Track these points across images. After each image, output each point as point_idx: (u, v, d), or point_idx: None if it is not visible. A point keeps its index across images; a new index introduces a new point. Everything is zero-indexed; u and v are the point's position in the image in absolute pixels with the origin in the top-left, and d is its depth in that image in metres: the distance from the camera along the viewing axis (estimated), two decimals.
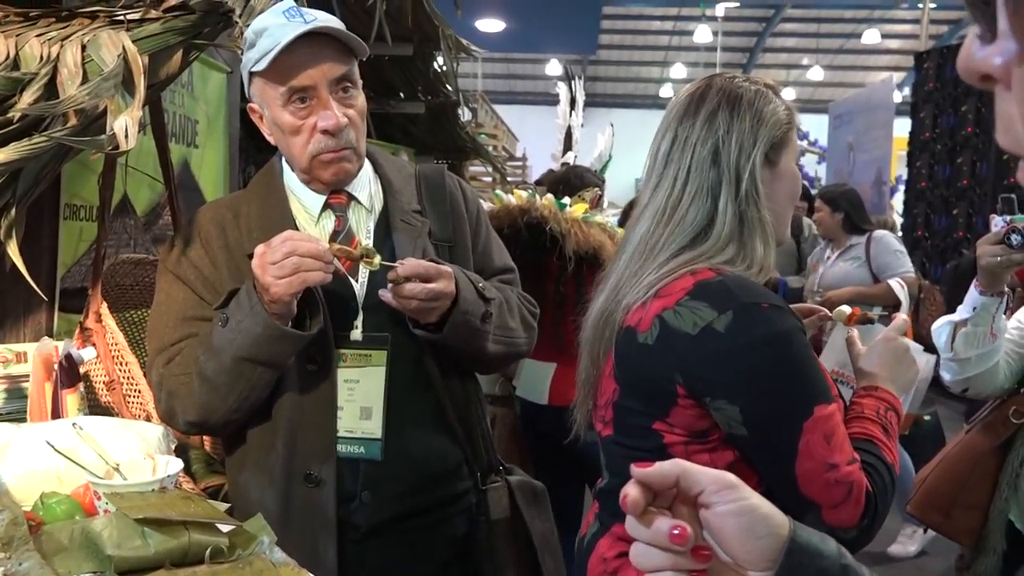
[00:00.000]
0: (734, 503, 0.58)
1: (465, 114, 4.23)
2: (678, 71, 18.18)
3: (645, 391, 1.10)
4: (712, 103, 1.15)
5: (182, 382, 1.30)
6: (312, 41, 1.29)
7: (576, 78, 3.55)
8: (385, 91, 3.94)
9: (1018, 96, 0.33)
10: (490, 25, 11.84)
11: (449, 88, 3.83)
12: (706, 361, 1.04)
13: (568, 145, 3.53)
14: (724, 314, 1.03)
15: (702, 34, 15.38)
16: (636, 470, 0.59)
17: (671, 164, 1.15)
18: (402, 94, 3.96)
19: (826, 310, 1.40)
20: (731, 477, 0.60)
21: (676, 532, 0.56)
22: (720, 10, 15.15)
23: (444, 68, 3.75)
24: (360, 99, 1.37)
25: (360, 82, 1.39)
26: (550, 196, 2.46)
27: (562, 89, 3.47)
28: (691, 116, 1.15)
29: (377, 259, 1.26)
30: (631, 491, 0.58)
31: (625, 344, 1.12)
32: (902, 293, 3.57)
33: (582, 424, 1.25)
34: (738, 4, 15.08)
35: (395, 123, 4.02)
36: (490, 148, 6.87)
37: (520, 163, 9.93)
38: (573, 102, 3.62)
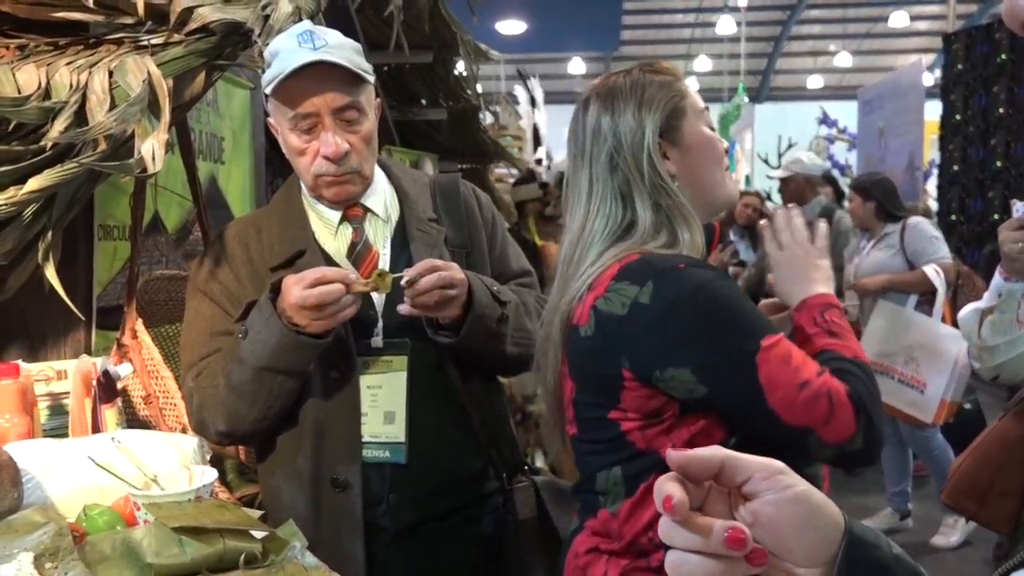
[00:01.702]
0: (788, 490, 0.52)
1: (487, 118, 4.25)
2: (703, 63, 18.04)
3: (595, 383, 1.11)
4: (593, 114, 1.15)
5: (210, 394, 1.34)
6: (318, 69, 1.31)
7: (530, 77, 3.57)
8: (407, 99, 3.98)
9: None
10: (511, 27, 11.87)
11: (469, 93, 3.86)
12: (642, 335, 1.05)
13: (537, 142, 3.57)
14: (645, 286, 1.04)
15: (725, 25, 15.25)
16: (674, 455, 0.51)
17: (577, 179, 1.17)
18: (424, 101, 4.00)
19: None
20: (779, 463, 0.54)
21: (731, 533, 0.49)
22: (743, 0, 15.01)
23: (464, 73, 3.78)
24: (366, 125, 1.39)
25: (370, 106, 1.40)
26: None
27: (519, 91, 3.49)
28: (581, 133, 1.17)
29: (388, 279, 1.30)
30: (674, 491, 0.50)
31: (572, 342, 1.14)
32: (938, 280, 3.50)
33: (557, 440, 1.25)
34: None
35: (418, 130, 4.07)
36: (515, 150, 6.89)
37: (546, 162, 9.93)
38: (533, 102, 3.66)
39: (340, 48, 1.34)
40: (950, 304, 3.55)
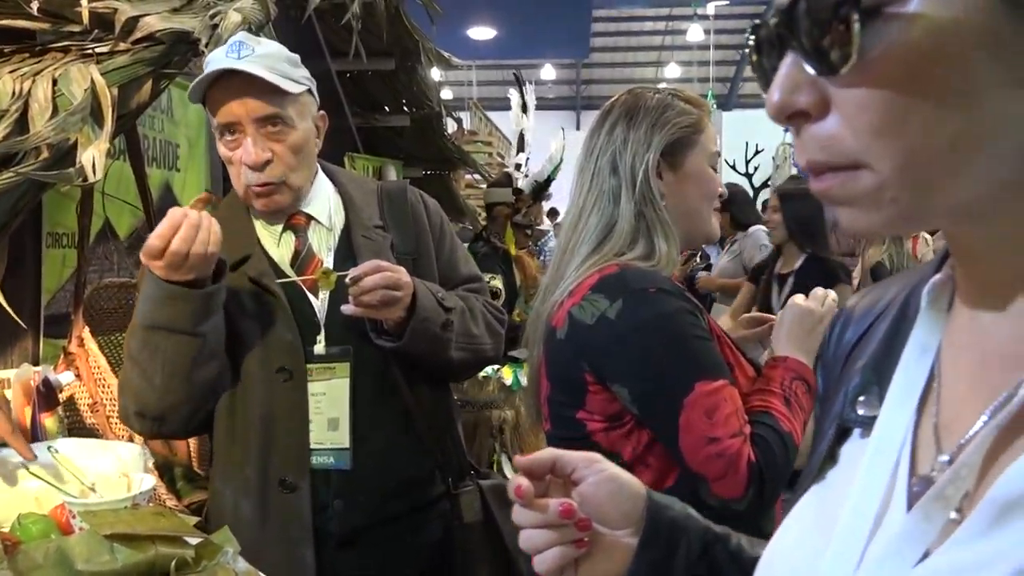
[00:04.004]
0: (602, 472, 0.68)
1: (450, 125, 4.28)
2: (673, 71, 18.21)
3: (565, 384, 1.18)
4: (614, 116, 1.23)
5: (121, 378, 1.35)
6: (238, 78, 1.31)
7: (525, 83, 3.63)
8: (370, 105, 3.99)
9: (846, 111, 0.39)
10: (482, 33, 11.89)
11: (432, 99, 3.88)
12: (602, 347, 1.12)
13: (520, 147, 3.65)
14: (615, 302, 1.11)
15: (695, 33, 15.41)
16: (519, 459, 0.67)
17: (582, 174, 1.24)
18: (387, 107, 4.01)
19: (776, 319, 1.44)
20: (595, 454, 0.70)
21: (563, 508, 0.65)
22: (711, 8, 15.19)
23: (427, 80, 3.80)
24: (293, 135, 1.38)
25: (302, 116, 1.39)
26: None
27: (513, 95, 3.55)
28: (598, 130, 1.24)
29: (333, 277, 1.31)
30: (522, 482, 0.65)
31: (549, 342, 1.20)
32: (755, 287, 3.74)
33: (535, 420, 1.32)
34: (728, 2, 15.12)
35: (381, 136, 4.07)
36: (485, 155, 6.90)
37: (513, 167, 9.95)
38: (524, 107, 3.73)
39: (267, 58, 1.33)
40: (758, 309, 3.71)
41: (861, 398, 0.51)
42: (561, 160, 3.55)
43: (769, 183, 10.46)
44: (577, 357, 1.14)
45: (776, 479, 1.09)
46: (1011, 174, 0.38)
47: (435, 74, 4.17)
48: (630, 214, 1.18)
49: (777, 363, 1.21)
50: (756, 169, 11.53)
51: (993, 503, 0.38)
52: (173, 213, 1.22)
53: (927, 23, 0.36)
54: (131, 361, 1.31)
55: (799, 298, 1.28)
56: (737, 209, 4.15)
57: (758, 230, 4.16)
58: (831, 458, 0.52)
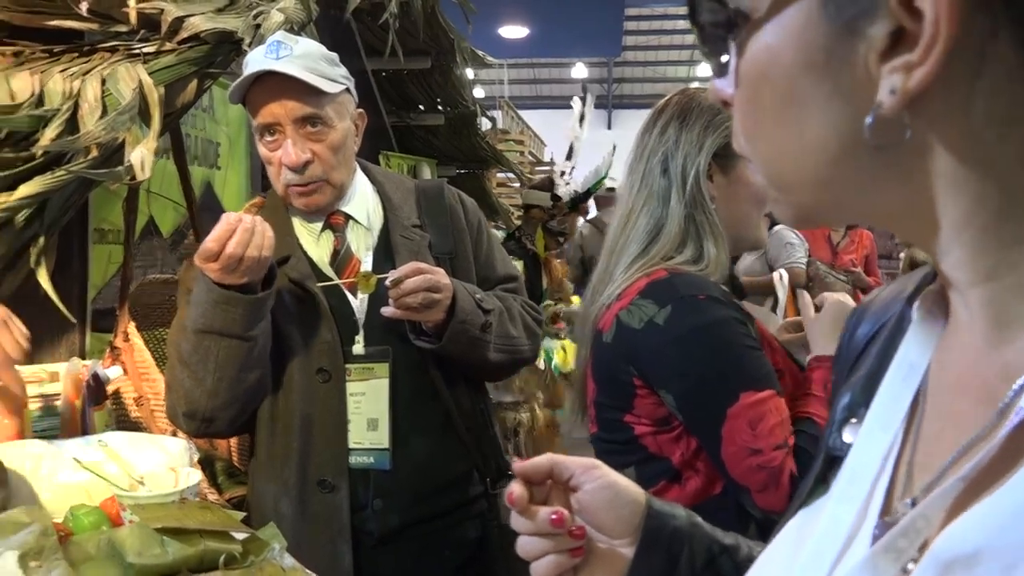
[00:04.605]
0: (600, 479, 0.66)
1: (484, 124, 4.28)
2: (705, 70, 18.04)
3: (612, 387, 1.17)
4: (667, 116, 1.21)
5: (170, 377, 1.37)
6: (276, 79, 1.32)
7: (588, 94, 3.66)
8: (405, 104, 4.01)
9: (736, 114, 0.42)
10: (514, 32, 11.91)
11: (467, 98, 3.89)
12: (649, 353, 1.11)
13: (569, 155, 3.66)
14: (664, 308, 1.10)
15: None
16: (516, 465, 0.66)
17: (632, 174, 1.23)
18: (422, 106, 4.02)
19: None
20: (594, 460, 0.67)
21: (555, 517, 0.63)
22: None
23: (461, 79, 3.81)
24: (332, 135, 1.38)
25: (340, 115, 1.40)
26: None
27: (576, 104, 3.58)
28: (650, 129, 1.23)
29: (373, 280, 1.32)
30: (515, 488, 0.64)
31: (596, 345, 1.20)
32: (780, 285, 3.71)
33: (579, 421, 1.32)
34: None
35: (416, 135, 4.09)
36: (516, 154, 6.89)
37: (548, 167, 9.95)
38: (582, 118, 3.75)
39: (305, 58, 1.34)
40: (790, 307, 3.66)
41: (852, 420, 0.47)
42: (606, 175, 3.55)
43: None
44: (624, 361, 1.14)
45: None
46: (905, 191, 0.36)
47: (467, 73, 4.18)
48: (679, 216, 1.16)
49: (821, 363, 1.18)
50: None
51: (936, 561, 0.35)
52: (228, 217, 1.24)
53: (760, 42, 0.38)
54: (182, 364, 1.32)
55: (839, 293, 1.26)
56: None
57: (781, 229, 4.14)
58: (823, 482, 0.48)
